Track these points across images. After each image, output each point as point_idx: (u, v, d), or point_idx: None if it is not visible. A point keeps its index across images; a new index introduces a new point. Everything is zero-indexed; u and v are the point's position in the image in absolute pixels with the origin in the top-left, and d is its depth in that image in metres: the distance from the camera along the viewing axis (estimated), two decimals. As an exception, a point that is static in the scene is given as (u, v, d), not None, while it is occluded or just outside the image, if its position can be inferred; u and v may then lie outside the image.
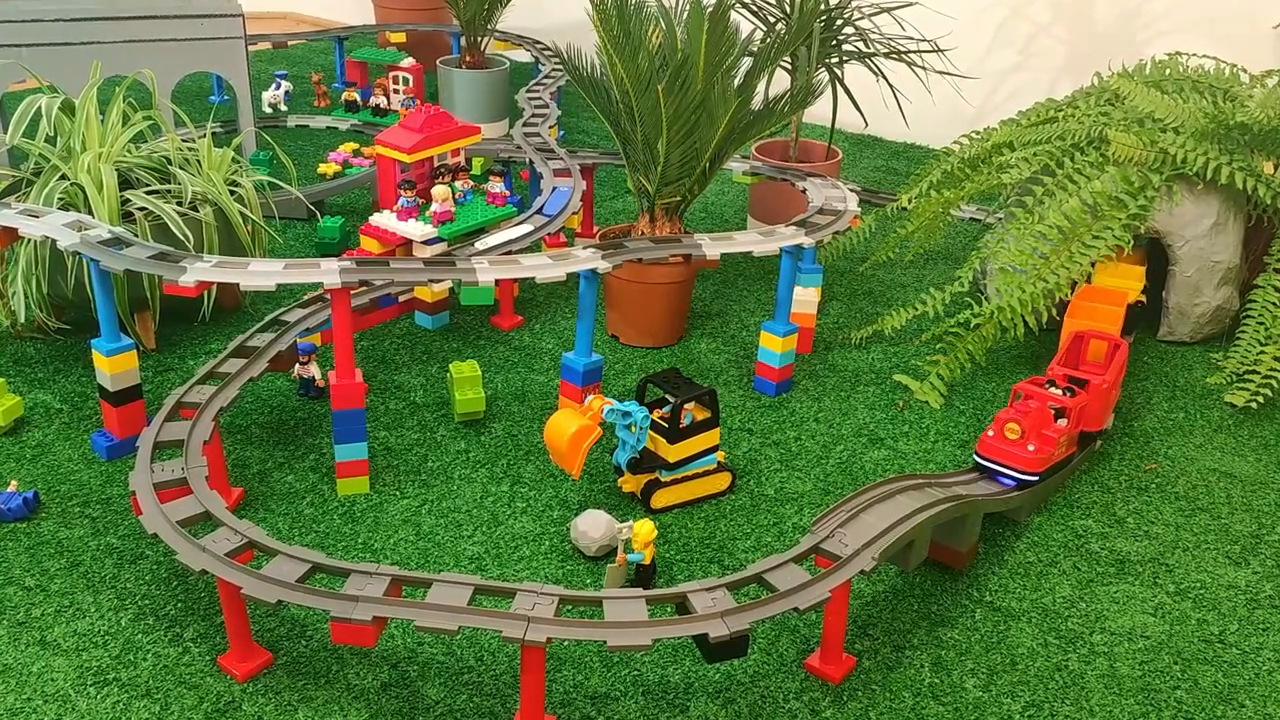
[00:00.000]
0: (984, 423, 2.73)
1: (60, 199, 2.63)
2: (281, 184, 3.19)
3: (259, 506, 2.30)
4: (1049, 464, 2.31)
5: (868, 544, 1.92)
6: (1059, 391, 2.37)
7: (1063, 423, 2.36)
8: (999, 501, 2.23)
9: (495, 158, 3.51)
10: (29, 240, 2.60)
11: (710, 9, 2.56)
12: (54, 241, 2.33)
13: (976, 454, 2.32)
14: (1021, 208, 3.00)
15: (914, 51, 3.57)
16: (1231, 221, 3.01)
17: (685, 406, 2.30)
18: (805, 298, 2.94)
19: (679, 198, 2.88)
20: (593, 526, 2.17)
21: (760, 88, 2.90)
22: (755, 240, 2.68)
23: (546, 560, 2.19)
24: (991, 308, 2.82)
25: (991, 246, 2.99)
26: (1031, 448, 2.27)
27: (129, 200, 2.67)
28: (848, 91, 3.56)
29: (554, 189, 3.08)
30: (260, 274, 2.22)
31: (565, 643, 1.96)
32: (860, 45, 3.56)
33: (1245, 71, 3.28)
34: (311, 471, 2.42)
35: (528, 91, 4.09)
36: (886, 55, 3.55)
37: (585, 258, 2.48)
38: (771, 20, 3.50)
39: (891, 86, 3.53)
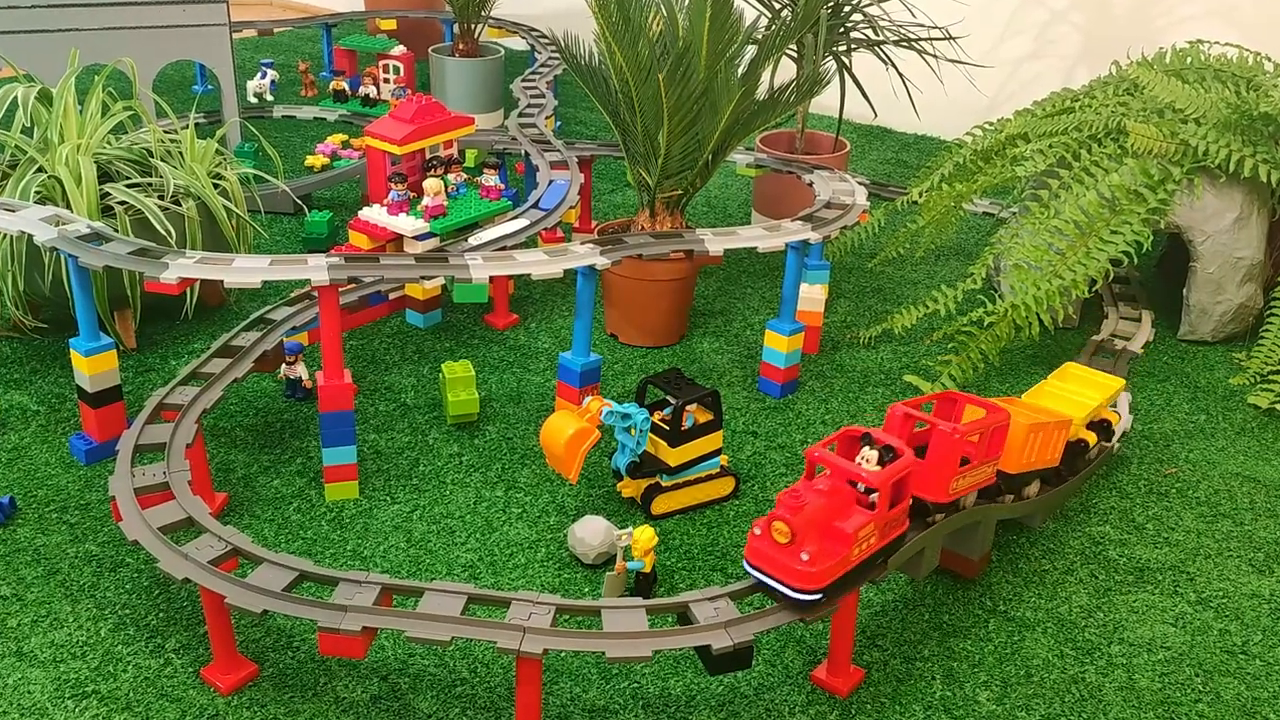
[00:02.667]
0: (997, 425, 2.73)
1: (37, 192, 2.63)
2: (267, 177, 3.19)
3: (244, 512, 2.30)
4: (839, 574, 1.74)
5: (876, 551, 1.91)
6: (871, 459, 1.79)
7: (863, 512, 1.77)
8: (1013, 508, 2.23)
9: (490, 150, 3.51)
10: (4, 235, 2.60)
11: (713, -5, 2.56)
12: (30, 236, 2.33)
13: (745, 561, 1.80)
14: (1036, 202, 3.00)
15: (925, 39, 3.57)
16: (1255, 216, 3.01)
17: (687, 408, 2.30)
18: (812, 295, 2.94)
19: (680, 191, 2.88)
20: (591, 533, 2.17)
21: (765, 77, 2.89)
22: (760, 235, 2.68)
23: (543, 568, 2.19)
24: (1005, 305, 2.82)
25: (1005, 242, 2.99)
26: (805, 556, 1.70)
27: (109, 194, 2.67)
28: (856, 81, 3.56)
29: (550, 182, 3.08)
30: (245, 270, 2.22)
31: (562, 654, 1.96)
32: (869, 33, 3.56)
33: (1269, 60, 3.28)
34: (298, 476, 2.42)
35: (523, 81, 4.08)
36: (896, 43, 3.55)
37: (583, 254, 2.48)
38: (777, 6, 3.50)
39: (901, 75, 3.53)
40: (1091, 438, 2.37)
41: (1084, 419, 2.32)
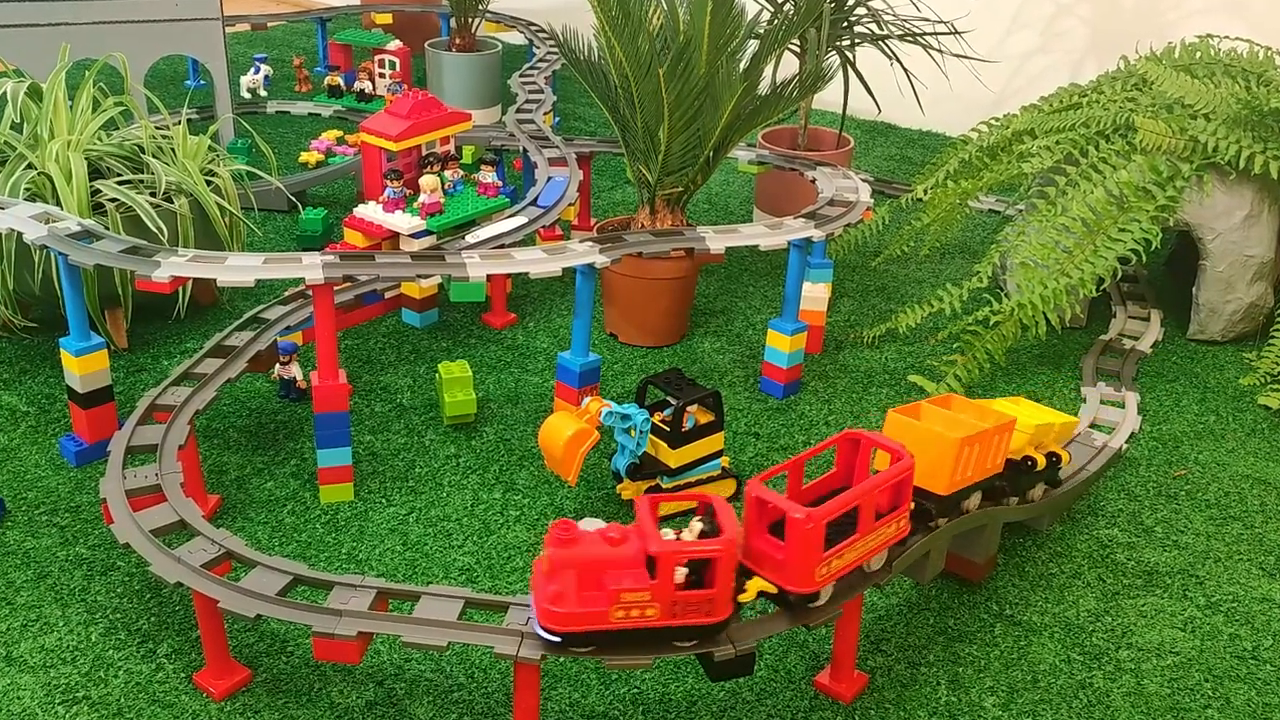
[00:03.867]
0: (1004, 426, 2.73)
1: (26, 189, 2.63)
2: (261, 174, 3.19)
3: (237, 515, 2.30)
4: (587, 626, 1.62)
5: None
6: (697, 527, 1.67)
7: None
8: (1020, 510, 2.23)
9: (487, 146, 3.51)
10: (-6, 233, 2.60)
11: (714, -12, 2.56)
12: (20, 234, 2.33)
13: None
14: (1043, 199, 3.00)
15: (930, 34, 3.57)
16: (1266, 213, 3.01)
17: (688, 409, 2.30)
18: (815, 294, 2.94)
19: (681, 188, 2.88)
20: (590, 536, 2.17)
21: (767, 72, 2.89)
22: (762, 233, 2.68)
23: (541, 572, 2.19)
24: (1012, 304, 2.82)
25: (1012, 240, 2.99)
26: (554, 589, 1.61)
27: (99, 191, 2.67)
28: (860, 76, 3.56)
29: (549, 179, 3.08)
30: (238, 269, 2.22)
31: (561, 659, 1.96)
32: (873, 27, 3.56)
33: (1280, 55, 3.28)
34: (292, 478, 2.42)
35: (521, 76, 4.08)
36: (901, 37, 3.55)
37: (582, 252, 2.48)
38: (779, 0, 3.50)
39: (906, 70, 3.53)
40: (1041, 459, 2.14)
41: (1033, 433, 2.07)
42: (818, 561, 1.69)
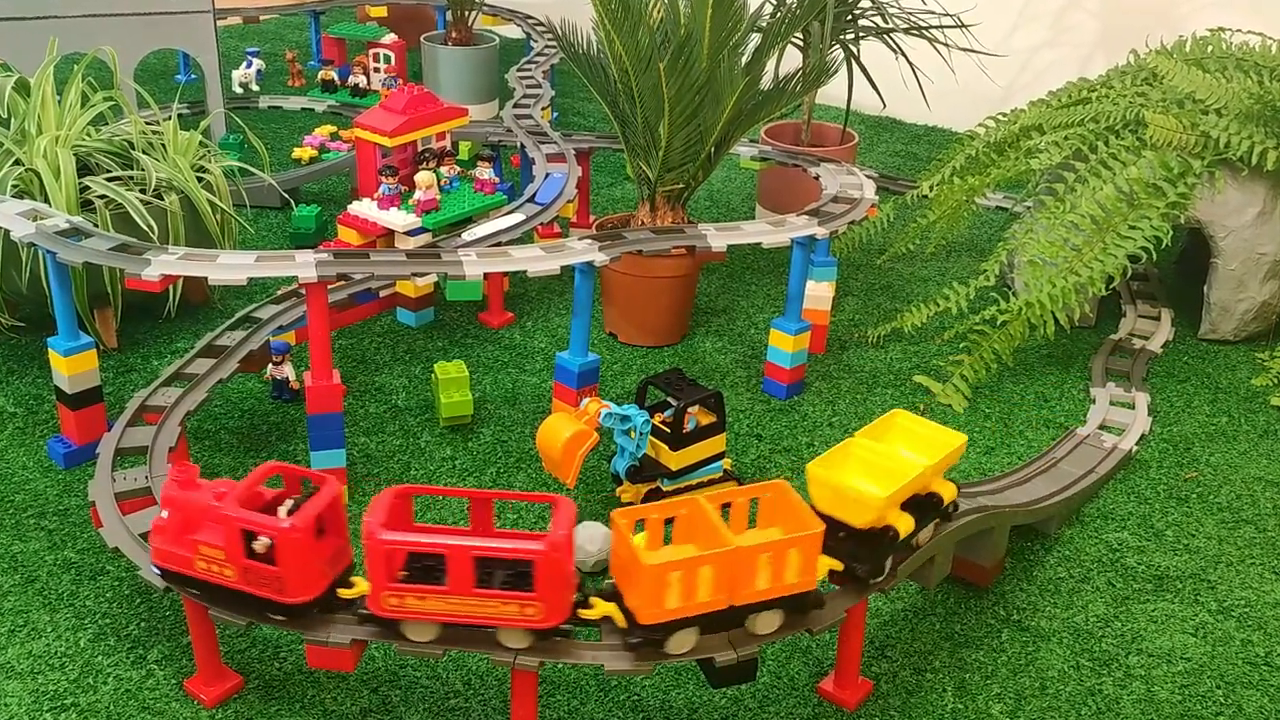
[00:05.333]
0: (1011, 428, 2.74)
1: (14, 186, 2.63)
2: (253, 170, 3.19)
3: (229, 518, 2.30)
4: (172, 566, 1.72)
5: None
6: (288, 504, 1.69)
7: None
8: (1028, 513, 2.23)
9: (484, 142, 3.51)
10: (-20, 231, 2.60)
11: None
12: (7, 232, 2.33)
13: None
14: (1052, 195, 3.00)
15: (935, 27, 3.57)
16: (1278, 210, 3.01)
17: (689, 410, 2.30)
18: (818, 293, 2.94)
19: (682, 185, 2.88)
20: (589, 540, 2.17)
21: (770, 66, 2.90)
22: (764, 231, 2.68)
23: (539, 576, 2.19)
24: (1019, 303, 2.82)
25: (1019, 237, 2.99)
26: (159, 523, 1.72)
27: (88, 187, 2.67)
28: (864, 70, 3.56)
29: (547, 175, 3.08)
30: (230, 267, 2.22)
31: (559, 666, 1.96)
32: (878, 20, 3.56)
33: (1293, 48, 3.28)
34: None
35: (519, 70, 4.09)
36: (906, 31, 3.55)
37: (581, 250, 2.48)
38: (782, -7, 3.51)
39: (911, 65, 3.53)
40: (906, 524, 1.78)
41: (885, 500, 1.72)
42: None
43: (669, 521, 1.75)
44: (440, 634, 1.69)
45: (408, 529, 1.65)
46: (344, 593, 1.70)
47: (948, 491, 1.89)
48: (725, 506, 1.75)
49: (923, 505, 1.85)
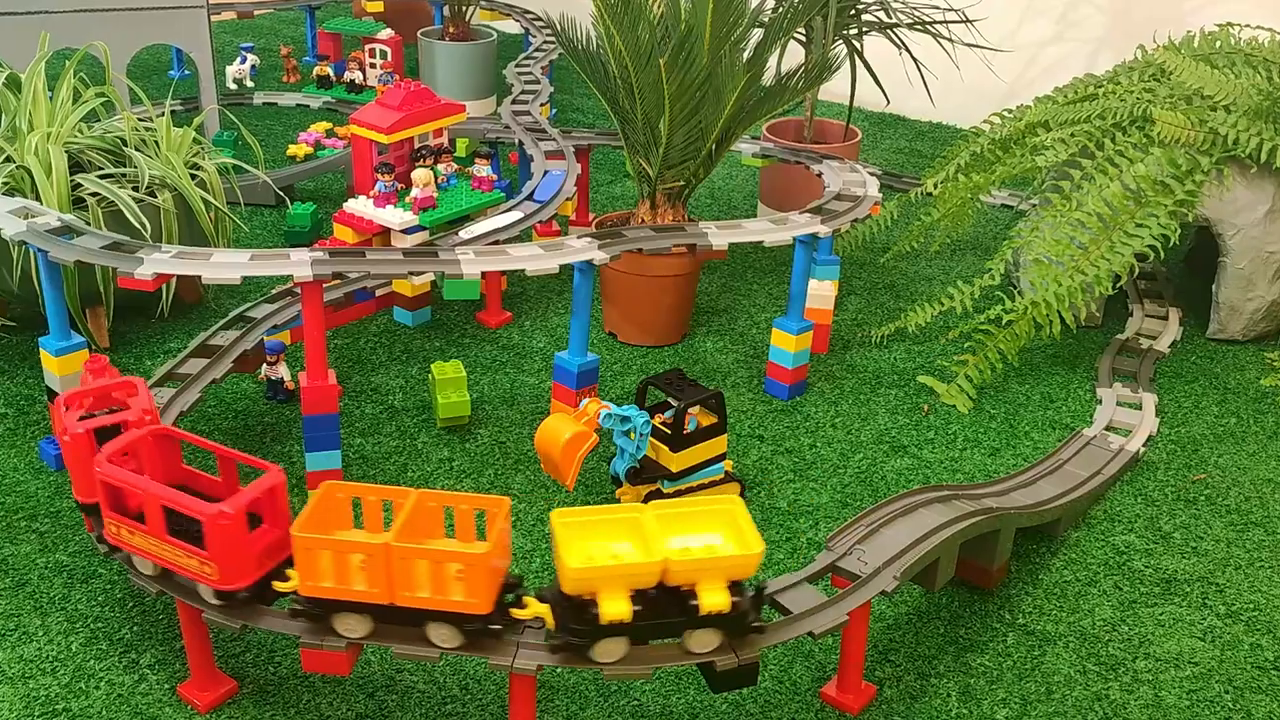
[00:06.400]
0: (1017, 429, 2.74)
1: (5, 183, 2.63)
2: (247, 167, 3.19)
3: (223, 520, 2.30)
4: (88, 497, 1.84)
5: (889, 562, 1.92)
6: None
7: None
8: (1033, 515, 2.23)
9: (482, 138, 3.50)
10: (-29, 229, 2.60)
11: (717, -25, 2.57)
12: (-2, 230, 2.33)
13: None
14: (1058, 193, 3.00)
15: (940, 22, 3.57)
16: (1288, 208, 3.01)
17: (689, 411, 2.30)
18: (821, 292, 2.94)
19: (683, 182, 2.88)
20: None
21: (771, 62, 2.90)
22: (766, 229, 2.68)
23: (538, 579, 2.19)
24: (1025, 303, 2.82)
25: (1025, 235, 2.99)
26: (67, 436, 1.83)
27: (80, 185, 2.67)
28: (867, 66, 3.56)
29: (546, 173, 3.08)
30: (224, 265, 2.22)
31: (558, 670, 1.96)
32: (881, 15, 3.56)
33: (1303, 44, 3.28)
34: (280, 482, 2.42)
35: (517, 66, 4.09)
36: (910, 26, 3.55)
37: (580, 248, 2.48)
38: (784, -12, 3.51)
39: (915, 60, 3.53)
40: (618, 610, 1.63)
41: (575, 573, 1.61)
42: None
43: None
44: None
45: (136, 470, 1.77)
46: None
47: (714, 601, 1.64)
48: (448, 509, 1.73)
49: (661, 603, 1.65)
